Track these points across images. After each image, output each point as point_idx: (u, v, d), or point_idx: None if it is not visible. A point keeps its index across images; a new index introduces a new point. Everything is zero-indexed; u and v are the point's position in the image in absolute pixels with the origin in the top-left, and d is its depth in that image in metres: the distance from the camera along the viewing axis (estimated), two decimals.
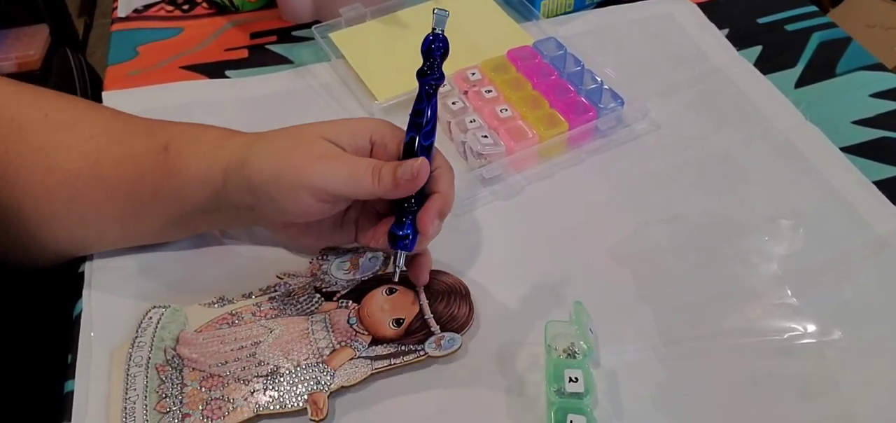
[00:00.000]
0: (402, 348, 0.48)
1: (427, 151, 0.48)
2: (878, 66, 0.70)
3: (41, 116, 0.51)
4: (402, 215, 0.48)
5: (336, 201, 0.48)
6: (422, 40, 0.48)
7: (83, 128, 0.51)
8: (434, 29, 0.48)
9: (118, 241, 0.54)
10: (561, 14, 0.78)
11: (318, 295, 0.52)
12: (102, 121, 0.52)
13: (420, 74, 0.49)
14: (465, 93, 0.65)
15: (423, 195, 0.48)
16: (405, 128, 0.49)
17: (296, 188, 0.46)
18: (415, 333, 0.49)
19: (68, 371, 0.48)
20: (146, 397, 0.46)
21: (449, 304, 0.51)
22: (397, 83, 0.67)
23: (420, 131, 0.48)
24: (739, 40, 0.74)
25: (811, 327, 0.50)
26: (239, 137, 0.49)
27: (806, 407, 0.46)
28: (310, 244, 0.54)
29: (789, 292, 0.52)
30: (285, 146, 0.47)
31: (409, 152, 0.48)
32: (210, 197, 0.49)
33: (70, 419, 0.46)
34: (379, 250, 0.54)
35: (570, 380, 0.45)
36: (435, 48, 0.48)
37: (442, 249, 0.55)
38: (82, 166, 0.49)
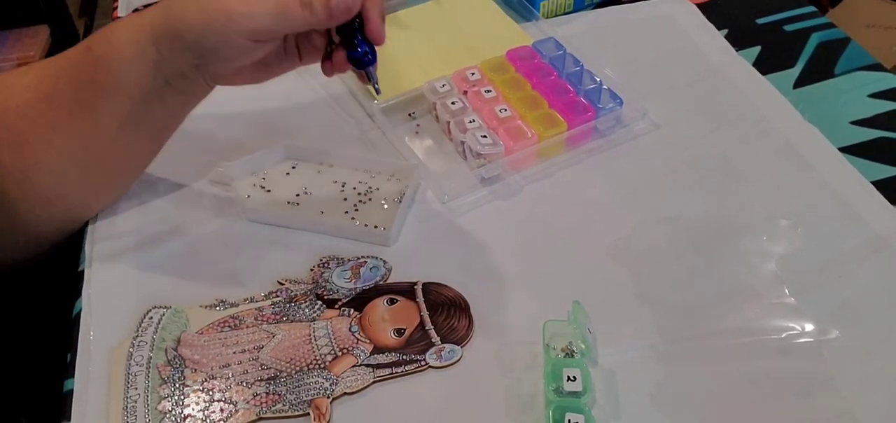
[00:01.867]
0: (404, 357, 0.49)
1: None
2: (877, 67, 0.70)
3: None
4: (350, 36, 0.47)
5: (273, 39, 0.48)
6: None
7: (26, 71, 0.52)
8: None
9: (88, 162, 0.53)
10: (560, 14, 0.78)
11: (319, 302, 0.52)
12: (44, 61, 0.53)
13: None
14: (465, 93, 0.65)
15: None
16: None
17: (230, 34, 0.45)
18: (415, 343, 0.49)
19: (68, 370, 0.49)
20: (147, 396, 0.46)
21: (449, 316, 0.51)
22: (397, 83, 0.68)
23: None
24: (738, 41, 0.74)
25: (809, 327, 0.50)
26: (156, 7, 0.48)
27: (804, 406, 0.46)
28: (260, 79, 0.53)
29: (787, 291, 0.52)
30: None
31: None
32: (150, 72, 0.48)
33: (70, 418, 0.46)
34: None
35: (569, 379, 0.45)
36: None
37: (441, 248, 0.55)
38: (28, 97, 0.50)
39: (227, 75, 0.52)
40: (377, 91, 0.50)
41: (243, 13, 0.44)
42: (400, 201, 0.58)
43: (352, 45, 0.46)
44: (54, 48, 1.66)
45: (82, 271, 0.54)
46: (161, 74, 0.49)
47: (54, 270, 0.60)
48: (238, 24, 0.45)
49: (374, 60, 0.47)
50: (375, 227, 0.56)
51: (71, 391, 0.47)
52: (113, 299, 0.52)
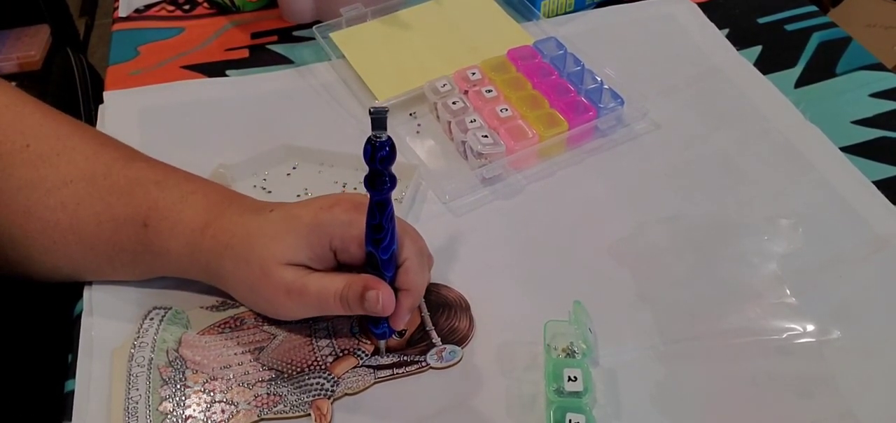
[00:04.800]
0: (405, 358, 0.49)
1: (388, 263, 0.46)
2: (878, 66, 0.70)
3: (22, 144, 0.49)
4: (377, 316, 0.47)
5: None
6: (366, 146, 0.41)
7: (65, 164, 0.49)
8: (375, 135, 0.41)
9: (89, 278, 0.53)
10: (561, 14, 0.78)
11: None
12: (83, 158, 0.50)
13: (369, 185, 0.43)
14: (466, 93, 0.65)
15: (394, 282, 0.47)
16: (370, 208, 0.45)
17: (271, 314, 0.50)
18: (416, 343, 0.49)
19: (69, 371, 0.49)
20: (149, 397, 0.46)
21: (450, 317, 0.51)
22: (398, 83, 0.68)
23: (378, 247, 0.45)
24: (739, 40, 0.74)
25: (810, 327, 0.50)
26: (211, 237, 0.48)
27: (804, 406, 0.46)
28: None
29: (788, 291, 0.52)
30: (253, 277, 0.47)
31: (372, 261, 0.46)
32: (196, 273, 0.50)
33: (71, 419, 0.46)
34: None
35: (570, 379, 0.45)
36: (379, 156, 0.41)
37: (442, 249, 0.55)
38: (61, 218, 0.49)
39: None
40: (384, 354, 0.50)
41: (285, 306, 0.47)
42: (400, 201, 0.58)
43: (375, 322, 0.48)
44: (55, 48, 1.66)
45: None
46: (210, 282, 0.51)
47: None
48: (279, 313, 0.49)
49: (390, 336, 0.49)
50: None
51: (72, 392, 0.47)
52: (114, 300, 0.52)
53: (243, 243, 0.47)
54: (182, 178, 0.51)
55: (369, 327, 0.48)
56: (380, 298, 0.45)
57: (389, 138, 0.41)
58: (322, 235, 0.46)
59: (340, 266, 0.48)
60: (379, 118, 0.40)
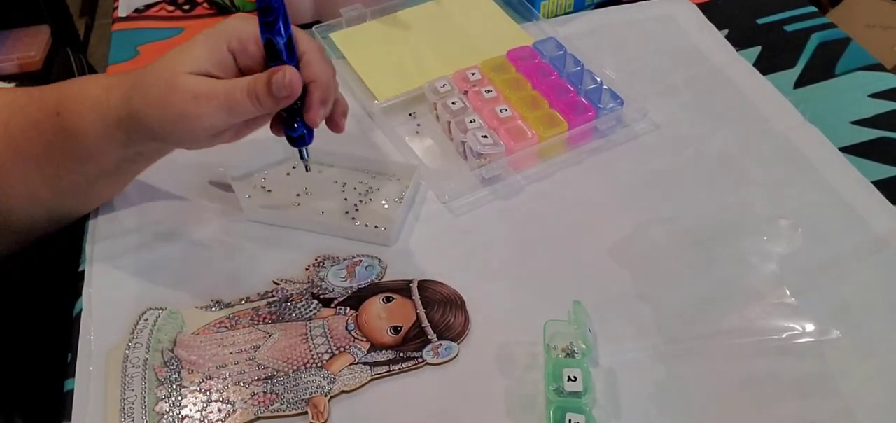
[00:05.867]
0: (401, 355, 0.49)
1: (287, 48, 0.47)
2: (878, 67, 0.70)
3: None
4: (290, 116, 0.49)
5: (229, 126, 0.50)
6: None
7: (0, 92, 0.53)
8: None
9: (57, 207, 0.55)
10: (561, 14, 0.78)
11: (315, 301, 0.52)
12: (12, 89, 0.54)
13: None
14: (465, 93, 0.65)
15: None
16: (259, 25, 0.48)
17: (188, 132, 0.49)
18: (412, 340, 0.49)
19: (68, 370, 0.48)
20: (144, 397, 0.46)
21: (445, 313, 0.51)
22: (397, 83, 0.68)
23: (273, 30, 0.47)
24: (739, 41, 0.74)
25: (810, 327, 0.50)
26: (116, 89, 0.50)
27: (804, 406, 0.46)
28: (231, 140, 0.54)
29: (788, 291, 0.52)
30: (160, 94, 0.48)
31: (272, 52, 0.48)
32: (120, 148, 0.51)
33: (70, 418, 0.46)
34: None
35: (569, 379, 0.45)
36: None
37: (442, 248, 0.55)
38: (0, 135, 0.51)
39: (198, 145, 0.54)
40: (307, 168, 0.54)
41: (197, 114, 0.47)
42: (400, 202, 0.58)
43: (290, 125, 0.50)
44: (55, 48, 1.66)
45: (82, 271, 0.54)
46: (132, 149, 0.52)
47: (54, 269, 0.60)
48: (194, 124, 0.48)
49: (309, 141, 0.50)
50: (376, 227, 0.56)
51: (71, 391, 0.47)
52: (113, 299, 0.52)
53: (147, 73, 0.49)
54: (90, 77, 0.54)
55: (287, 133, 0.49)
56: (286, 74, 0.46)
57: None
58: (219, 39, 0.48)
59: (243, 76, 0.49)
60: None
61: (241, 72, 0.50)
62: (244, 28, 0.49)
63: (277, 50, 0.47)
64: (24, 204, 0.53)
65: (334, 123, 0.53)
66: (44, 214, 0.55)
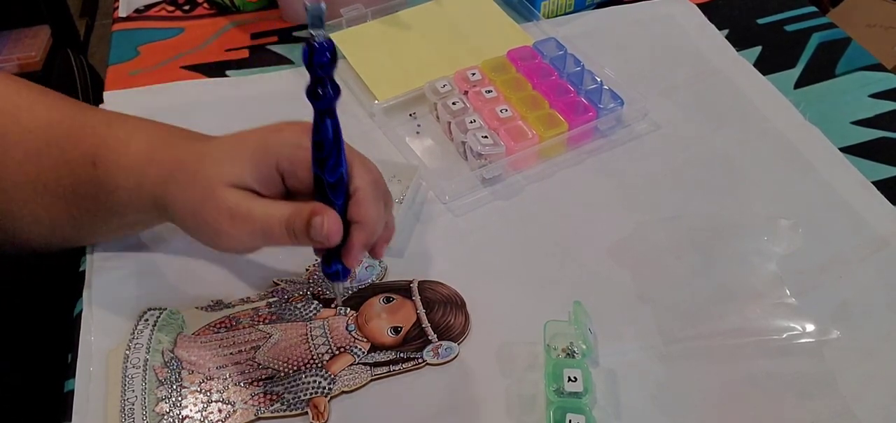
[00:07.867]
0: (401, 355, 0.49)
1: (335, 187, 0.43)
2: (878, 67, 0.70)
3: None
4: (329, 253, 0.45)
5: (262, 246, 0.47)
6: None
7: (25, 117, 0.49)
8: (311, 35, 0.37)
9: (74, 239, 0.54)
10: (561, 14, 0.78)
11: (315, 301, 0.52)
12: (44, 109, 0.50)
13: (310, 95, 0.40)
14: (466, 93, 0.65)
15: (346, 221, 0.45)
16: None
17: (218, 246, 0.46)
18: (412, 341, 0.49)
19: (68, 371, 0.49)
20: (144, 398, 0.46)
21: (445, 313, 0.51)
22: (397, 83, 0.68)
23: (324, 168, 0.42)
24: (739, 41, 0.74)
25: (810, 327, 0.50)
26: (156, 166, 0.47)
27: (804, 406, 0.46)
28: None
29: (788, 291, 0.52)
30: (196, 201, 0.45)
31: (319, 187, 0.43)
32: (150, 219, 0.50)
33: (70, 419, 0.46)
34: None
35: (569, 380, 0.45)
36: (318, 61, 0.38)
37: (443, 249, 0.55)
38: (28, 170, 0.49)
39: None
40: (337, 304, 0.51)
41: (230, 234, 0.45)
42: (401, 202, 0.58)
43: (326, 259, 0.46)
44: (55, 49, 1.66)
45: (83, 271, 0.54)
46: (157, 219, 0.51)
47: (54, 270, 0.60)
48: (225, 243, 0.46)
49: (343, 279, 0.46)
50: None
51: (72, 392, 0.47)
52: (114, 299, 0.52)
53: (189, 168, 0.46)
54: (131, 118, 0.51)
55: (323, 268, 0.46)
56: (325, 223, 0.42)
57: (330, 40, 0.37)
58: (268, 155, 0.45)
59: (290, 196, 0.46)
60: (316, 15, 0.36)
61: (288, 192, 0.46)
62: (297, 152, 0.44)
63: (324, 187, 0.43)
64: (43, 231, 0.51)
65: (373, 250, 0.48)
66: (60, 241, 0.53)
